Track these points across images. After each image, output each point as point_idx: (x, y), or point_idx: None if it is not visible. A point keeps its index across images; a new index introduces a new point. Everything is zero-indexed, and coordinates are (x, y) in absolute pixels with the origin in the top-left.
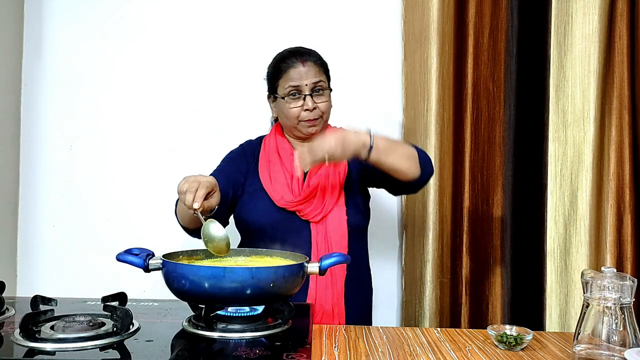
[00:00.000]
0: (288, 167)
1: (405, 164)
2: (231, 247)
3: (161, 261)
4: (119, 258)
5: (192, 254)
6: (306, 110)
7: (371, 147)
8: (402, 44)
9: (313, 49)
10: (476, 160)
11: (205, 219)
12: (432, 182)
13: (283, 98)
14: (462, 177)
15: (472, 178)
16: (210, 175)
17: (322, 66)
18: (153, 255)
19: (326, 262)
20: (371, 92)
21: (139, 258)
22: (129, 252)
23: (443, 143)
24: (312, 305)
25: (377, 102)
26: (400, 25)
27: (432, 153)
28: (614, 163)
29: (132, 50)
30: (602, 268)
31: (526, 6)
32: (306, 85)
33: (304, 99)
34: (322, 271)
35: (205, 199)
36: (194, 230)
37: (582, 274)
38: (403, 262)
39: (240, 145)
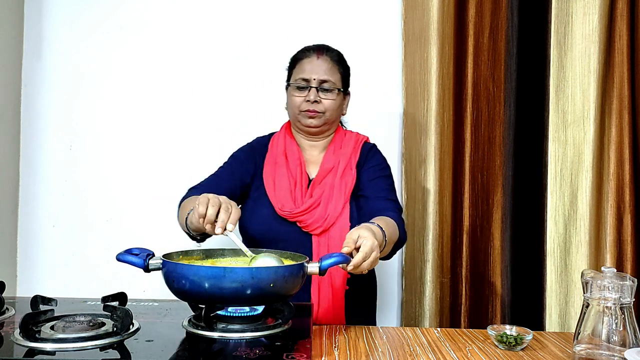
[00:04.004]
0: (293, 172)
1: (387, 250)
2: (233, 248)
3: (161, 261)
4: (119, 258)
5: (191, 254)
6: (307, 101)
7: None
8: (402, 44)
9: (338, 49)
10: (476, 160)
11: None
12: (432, 182)
13: (292, 87)
14: (462, 177)
15: (472, 178)
16: (217, 172)
17: (340, 65)
18: (153, 255)
19: (326, 262)
20: (371, 93)
21: (139, 258)
22: (129, 252)
23: (443, 143)
24: (312, 305)
25: (377, 102)
26: (400, 25)
27: (432, 153)
28: (614, 163)
29: (132, 50)
30: (602, 268)
31: (526, 6)
32: (314, 79)
33: (309, 91)
34: (322, 271)
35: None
36: (199, 237)
37: (582, 274)
38: (403, 262)
39: (249, 144)
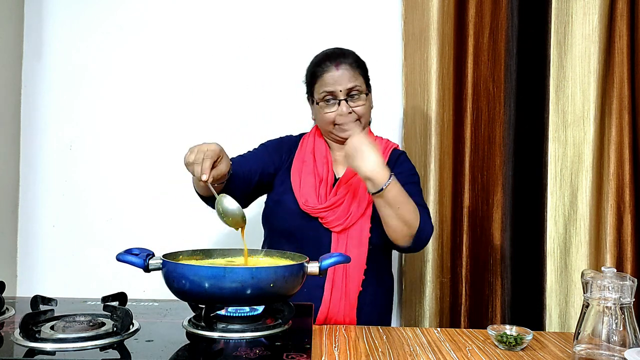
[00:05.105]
0: (320, 170)
1: (398, 228)
2: (233, 248)
3: (161, 261)
4: (119, 258)
5: (192, 254)
6: (341, 115)
7: (382, 189)
8: (402, 44)
9: (350, 49)
10: (476, 160)
11: (218, 191)
12: (432, 182)
13: (318, 103)
14: (462, 177)
15: (472, 178)
16: (244, 154)
17: (359, 68)
18: (153, 255)
19: (326, 262)
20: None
21: (139, 258)
22: (129, 252)
23: (443, 143)
24: (312, 306)
25: (377, 102)
26: (400, 25)
27: (432, 153)
28: (614, 163)
29: (132, 50)
30: (602, 268)
31: (526, 6)
32: (340, 90)
33: (339, 104)
34: (322, 271)
35: (214, 166)
36: (210, 198)
37: (582, 274)
38: (403, 262)
39: (280, 138)
